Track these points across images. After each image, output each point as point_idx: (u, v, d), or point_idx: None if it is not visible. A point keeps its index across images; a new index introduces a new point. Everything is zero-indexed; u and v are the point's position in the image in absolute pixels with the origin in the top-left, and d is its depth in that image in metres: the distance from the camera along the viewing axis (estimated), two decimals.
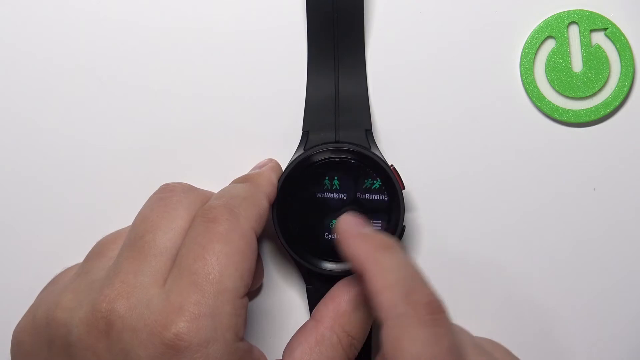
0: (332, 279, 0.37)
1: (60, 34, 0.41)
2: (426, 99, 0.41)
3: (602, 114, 0.40)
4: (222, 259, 0.31)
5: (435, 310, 0.30)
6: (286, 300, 0.41)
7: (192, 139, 0.41)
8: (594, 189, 0.41)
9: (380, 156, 0.38)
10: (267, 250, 0.41)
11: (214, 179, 0.39)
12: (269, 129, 0.41)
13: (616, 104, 0.40)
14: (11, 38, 0.41)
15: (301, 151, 0.38)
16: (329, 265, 0.38)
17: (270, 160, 0.39)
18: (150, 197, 0.35)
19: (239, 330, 0.32)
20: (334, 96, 0.39)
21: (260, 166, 0.39)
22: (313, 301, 0.38)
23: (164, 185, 0.36)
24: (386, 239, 0.33)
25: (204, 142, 0.41)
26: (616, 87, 0.40)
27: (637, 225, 0.41)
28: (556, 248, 0.41)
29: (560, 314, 0.41)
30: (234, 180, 0.38)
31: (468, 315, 0.41)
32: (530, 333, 0.41)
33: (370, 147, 0.38)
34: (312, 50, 0.40)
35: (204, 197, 0.35)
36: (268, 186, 0.36)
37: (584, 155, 0.41)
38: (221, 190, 0.36)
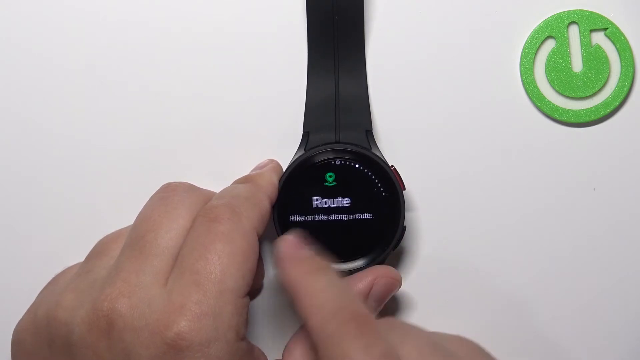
0: None
1: (60, 34, 0.41)
2: (426, 99, 0.41)
3: (602, 114, 0.40)
4: (223, 258, 0.31)
5: (362, 321, 0.30)
6: (286, 301, 0.41)
7: (192, 140, 0.41)
8: (594, 189, 0.41)
9: (380, 157, 0.38)
10: (268, 251, 0.41)
11: (214, 180, 0.39)
12: (270, 130, 0.41)
13: (616, 104, 0.40)
14: (11, 38, 0.41)
15: (302, 152, 0.38)
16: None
17: (271, 160, 0.39)
18: (151, 197, 0.35)
19: (240, 330, 0.32)
20: (334, 97, 0.39)
21: (261, 167, 0.39)
22: None
23: (165, 184, 0.36)
24: (318, 261, 0.33)
25: (205, 143, 0.41)
26: (616, 87, 0.40)
27: (637, 225, 0.41)
28: (556, 248, 0.41)
29: (560, 313, 0.41)
30: (235, 180, 0.38)
31: (467, 314, 0.41)
32: (530, 333, 0.41)
33: (371, 148, 0.38)
34: (313, 51, 0.40)
35: (206, 197, 0.35)
36: (269, 187, 0.36)
37: (584, 155, 0.41)
38: (222, 190, 0.36)
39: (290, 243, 0.34)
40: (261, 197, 0.35)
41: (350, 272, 0.37)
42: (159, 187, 0.36)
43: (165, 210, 0.34)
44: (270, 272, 0.41)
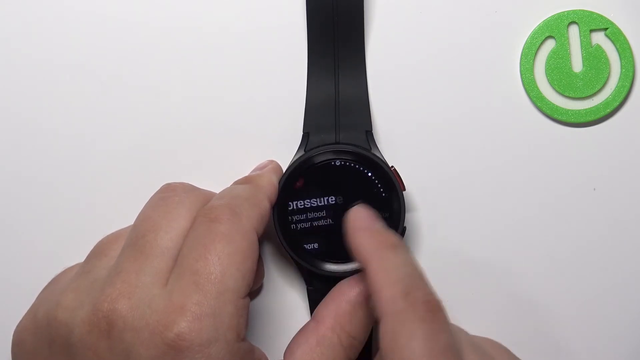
0: (333, 280, 0.37)
1: (60, 34, 0.41)
2: (426, 99, 0.41)
3: (602, 114, 0.40)
4: (224, 259, 0.31)
5: (433, 308, 0.30)
6: (287, 301, 0.41)
7: (192, 140, 0.41)
8: (594, 189, 0.41)
9: (380, 157, 0.38)
10: (268, 251, 0.41)
11: (214, 180, 0.39)
12: (269, 131, 0.41)
13: (616, 104, 0.40)
14: (12, 38, 0.41)
15: (301, 152, 0.38)
16: (330, 267, 0.38)
17: (271, 161, 0.39)
18: (151, 197, 0.35)
19: (241, 330, 0.32)
20: (334, 97, 0.39)
21: (261, 167, 0.39)
22: (313, 302, 0.38)
23: (165, 185, 0.36)
24: (393, 237, 0.33)
25: (204, 143, 0.41)
26: (616, 87, 0.40)
27: (637, 225, 0.41)
28: (556, 248, 0.41)
29: (560, 313, 0.41)
30: (235, 181, 0.38)
31: (468, 314, 0.41)
32: (530, 333, 0.41)
33: (371, 148, 0.38)
34: (312, 51, 0.39)
35: (206, 197, 0.35)
36: (269, 187, 0.36)
37: (584, 155, 0.41)
38: (222, 190, 0.36)
39: (364, 214, 0.34)
40: (261, 198, 0.35)
41: (351, 272, 0.37)
42: (158, 188, 0.36)
43: (166, 210, 0.34)
44: (270, 272, 0.41)
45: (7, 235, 0.41)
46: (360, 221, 0.34)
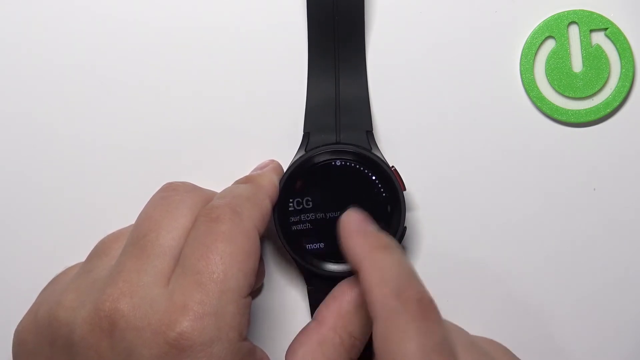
0: (333, 280, 0.37)
1: (60, 34, 0.41)
2: (426, 99, 0.41)
3: (602, 114, 0.40)
4: (225, 258, 0.31)
5: (426, 306, 0.30)
6: (288, 301, 0.41)
7: (193, 140, 0.41)
8: (594, 189, 0.41)
9: (381, 157, 0.38)
10: (269, 251, 0.41)
11: (215, 180, 0.39)
12: (270, 131, 0.41)
13: (616, 104, 0.40)
14: (12, 38, 0.41)
15: (302, 152, 0.38)
16: (330, 267, 0.38)
17: (272, 161, 0.39)
18: (153, 196, 0.35)
19: (243, 330, 0.32)
20: (335, 97, 0.39)
21: (261, 167, 0.39)
22: (314, 302, 0.38)
23: (166, 184, 0.36)
24: (385, 238, 0.33)
25: (205, 143, 0.41)
26: (616, 87, 0.40)
27: (637, 225, 0.41)
28: (556, 248, 0.41)
29: (560, 313, 0.41)
30: (236, 181, 0.38)
31: (468, 315, 0.41)
32: (530, 333, 0.41)
33: (371, 149, 0.38)
34: (313, 51, 0.39)
35: (207, 197, 0.35)
36: (270, 187, 0.36)
37: (584, 155, 0.41)
38: (223, 190, 0.36)
39: (356, 217, 0.34)
40: (262, 197, 0.35)
41: (351, 272, 0.37)
42: (159, 187, 0.36)
43: (167, 209, 0.34)
44: (270, 272, 0.41)
45: (7, 235, 0.41)
46: (352, 224, 0.34)
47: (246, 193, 0.35)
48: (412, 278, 0.31)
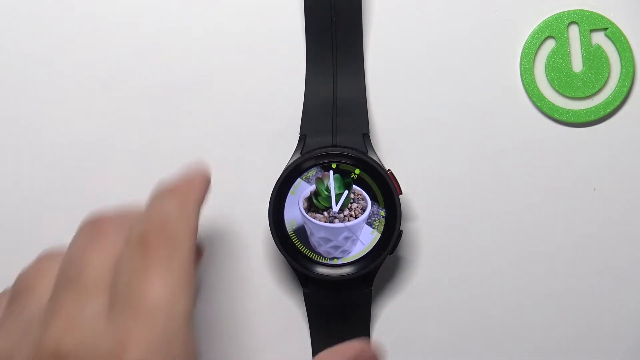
0: (328, 283, 0.37)
1: (61, 34, 0.41)
2: (425, 101, 0.40)
3: (602, 114, 0.40)
4: (164, 284, 0.29)
5: None
6: (282, 304, 0.41)
7: (190, 141, 0.41)
8: (594, 189, 0.41)
9: (377, 161, 0.38)
10: (264, 254, 0.41)
11: (213, 181, 0.39)
12: (266, 133, 0.41)
13: (616, 104, 0.40)
14: (12, 38, 0.41)
15: (298, 155, 0.38)
16: (324, 270, 0.38)
17: (193, 162, 0.35)
18: (79, 227, 0.32)
19: (195, 350, 0.30)
20: (332, 100, 0.39)
21: (186, 173, 0.34)
22: (310, 304, 0.39)
23: (91, 213, 0.33)
24: None
25: (201, 145, 0.41)
26: (616, 87, 0.40)
27: (637, 225, 0.41)
28: (556, 248, 0.41)
29: (560, 314, 0.41)
30: (159, 192, 0.34)
31: (469, 316, 0.41)
32: (530, 334, 0.41)
33: (368, 152, 0.38)
34: (310, 53, 0.39)
35: (135, 219, 0.32)
36: (196, 194, 0.33)
37: (584, 155, 0.40)
38: (149, 207, 0.32)
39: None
40: (191, 208, 0.32)
41: (346, 276, 0.37)
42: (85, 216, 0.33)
43: (97, 240, 0.31)
44: (266, 275, 0.41)
45: (7, 235, 0.41)
46: None
47: (174, 208, 0.32)
48: None
